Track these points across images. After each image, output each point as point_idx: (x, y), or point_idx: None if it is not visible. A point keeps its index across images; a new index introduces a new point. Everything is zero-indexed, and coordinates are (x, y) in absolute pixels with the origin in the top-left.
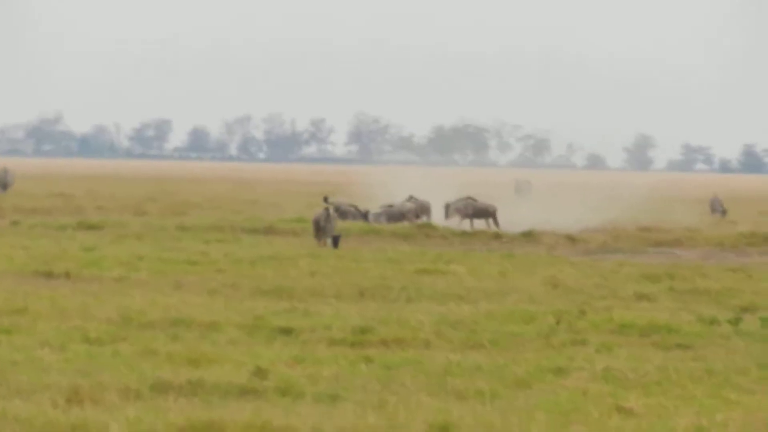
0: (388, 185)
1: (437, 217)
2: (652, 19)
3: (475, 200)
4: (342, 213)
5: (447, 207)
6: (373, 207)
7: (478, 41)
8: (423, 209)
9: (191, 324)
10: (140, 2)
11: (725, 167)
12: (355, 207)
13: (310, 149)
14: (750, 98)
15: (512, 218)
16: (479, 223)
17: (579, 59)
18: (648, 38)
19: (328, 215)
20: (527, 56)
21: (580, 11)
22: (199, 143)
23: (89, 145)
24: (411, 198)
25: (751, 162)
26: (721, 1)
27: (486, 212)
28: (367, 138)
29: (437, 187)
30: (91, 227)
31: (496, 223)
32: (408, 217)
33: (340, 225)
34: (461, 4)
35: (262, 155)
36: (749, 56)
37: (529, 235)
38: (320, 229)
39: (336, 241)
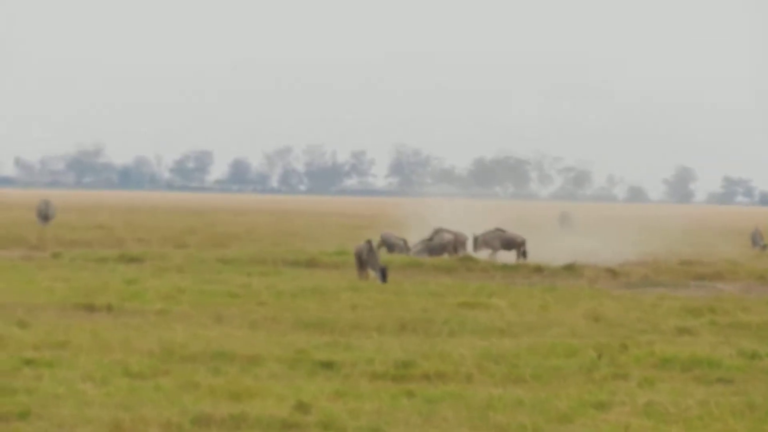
0: (428, 218)
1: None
2: (694, 52)
3: (503, 231)
4: (390, 246)
5: (476, 239)
6: (412, 240)
7: (518, 73)
8: (459, 241)
9: (233, 357)
10: (178, 34)
11: (766, 199)
12: (404, 240)
13: (351, 181)
14: None
15: (556, 251)
16: (510, 256)
17: (619, 91)
18: (689, 71)
19: (370, 248)
20: (568, 88)
21: (621, 45)
22: (240, 175)
23: (130, 176)
24: (439, 230)
25: None
26: (761, 34)
27: (515, 243)
28: (408, 170)
29: (479, 220)
30: (132, 260)
31: (524, 254)
32: (448, 249)
33: (385, 257)
34: (502, 39)
35: (303, 187)
36: None
37: (570, 268)
38: (362, 262)
39: (384, 275)
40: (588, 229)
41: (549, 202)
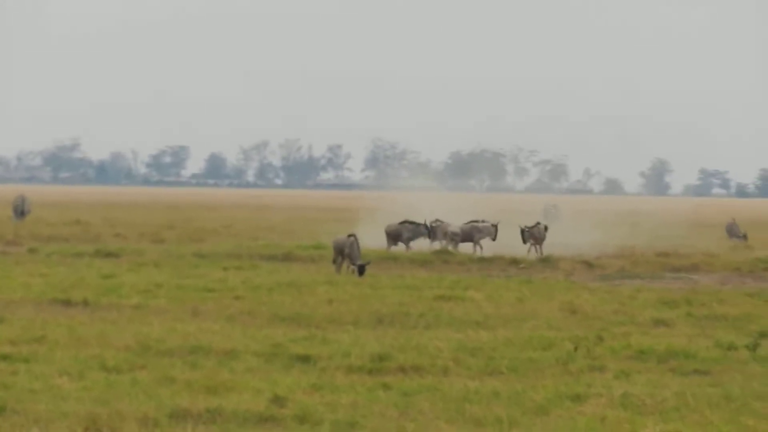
0: (406, 211)
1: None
2: (670, 47)
3: (441, 222)
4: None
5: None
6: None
7: (494, 67)
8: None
9: (209, 351)
10: (161, 29)
11: (742, 192)
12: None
13: (327, 175)
14: (766, 123)
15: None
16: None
17: (595, 86)
18: (666, 65)
19: (353, 242)
20: (543, 81)
21: (597, 41)
22: (216, 170)
23: (106, 171)
24: (404, 223)
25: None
26: (737, 27)
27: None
28: (384, 164)
29: (458, 213)
30: (108, 255)
31: (455, 246)
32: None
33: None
34: (479, 32)
35: (279, 181)
36: (767, 81)
37: (546, 261)
38: (343, 255)
39: (362, 270)
40: (569, 222)
41: (525, 195)
